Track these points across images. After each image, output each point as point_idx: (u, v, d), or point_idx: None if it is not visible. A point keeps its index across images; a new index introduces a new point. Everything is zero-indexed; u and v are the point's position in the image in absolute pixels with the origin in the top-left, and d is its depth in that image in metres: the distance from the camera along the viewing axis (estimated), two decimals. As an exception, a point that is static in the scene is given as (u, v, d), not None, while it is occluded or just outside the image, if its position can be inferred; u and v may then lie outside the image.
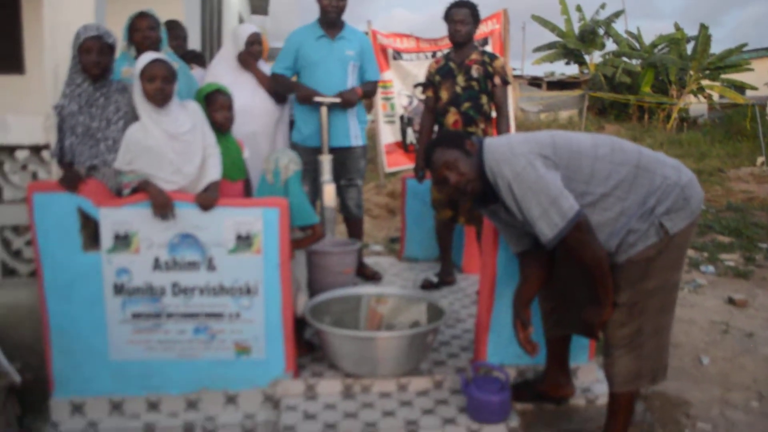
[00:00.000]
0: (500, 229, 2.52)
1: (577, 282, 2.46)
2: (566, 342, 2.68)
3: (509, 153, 2.19)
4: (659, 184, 2.21)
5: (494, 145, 2.26)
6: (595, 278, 2.25)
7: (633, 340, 2.29)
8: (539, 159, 2.16)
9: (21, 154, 3.08)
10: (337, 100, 3.56)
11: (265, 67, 3.74)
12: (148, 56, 2.59)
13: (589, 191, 2.20)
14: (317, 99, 3.53)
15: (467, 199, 2.42)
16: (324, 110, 3.54)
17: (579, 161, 2.20)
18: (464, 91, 3.67)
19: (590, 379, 2.91)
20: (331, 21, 3.63)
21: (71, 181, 2.52)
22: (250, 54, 3.60)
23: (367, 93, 3.75)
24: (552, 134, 2.29)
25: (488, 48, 7.25)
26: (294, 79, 3.70)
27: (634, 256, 2.22)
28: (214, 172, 2.68)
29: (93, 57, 2.63)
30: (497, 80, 3.68)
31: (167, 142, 2.57)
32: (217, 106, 2.87)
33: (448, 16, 3.72)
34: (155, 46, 2.99)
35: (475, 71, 3.66)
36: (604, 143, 2.27)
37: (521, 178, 2.14)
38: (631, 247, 2.23)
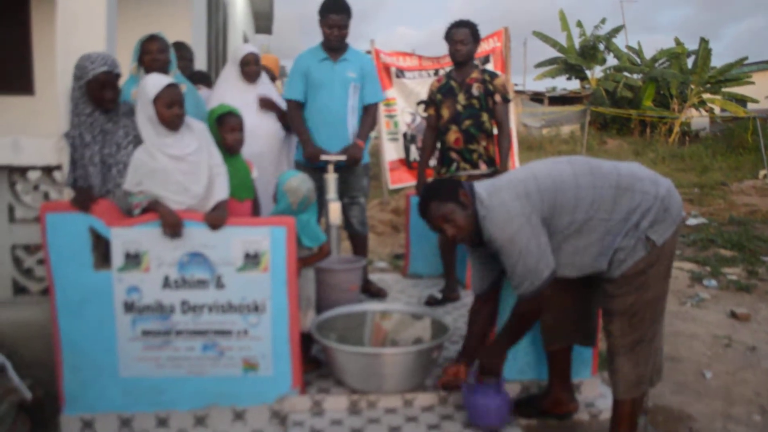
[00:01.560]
0: (473, 266, 2.63)
1: (575, 294, 2.60)
2: (567, 355, 2.74)
3: (505, 217, 2.29)
4: (639, 200, 2.32)
5: (490, 206, 2.33)
6: (512, 327, 2.49)
7: (634, 348, 2.38)
8: (530, 219, 2.28)
9: (33, 175, 3.14)
10: (343, 157, 3.61)
11: (269, 88, 3.81)
12: (160, 80, 2.60)
13: (574, 220, 2.33)
14: (324, 158, 3.59)
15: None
16: (331, 168, 3.60)
17: (564, 196, 2.32)
18: (465, 109, 3.73)
19: (594, 393, 2.94)
20: (333, 47, 3.70)
21: (83, 201, 2.57)
22: (246, 75, 3.69)
23: (368, 133, 3.79)
24: (536, 177, 2.36)
25: (490, 65, 7.35)
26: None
27: (626, 271, 2.34)
28: (221, 191, 2.73)
29: (109, 93, 2.67)
30: (498, 98, 3.75)
31: (173, 163, 2.61)
32: (228, 128, 2.92)
33: (449, 36, 3.79)
34: (164, 69, 3.04)
35: (475, 89, 3.73)
36: (583, 170, 2.37)
37: (514, 241, 2.28)
38: (622, 263, 2.34)
